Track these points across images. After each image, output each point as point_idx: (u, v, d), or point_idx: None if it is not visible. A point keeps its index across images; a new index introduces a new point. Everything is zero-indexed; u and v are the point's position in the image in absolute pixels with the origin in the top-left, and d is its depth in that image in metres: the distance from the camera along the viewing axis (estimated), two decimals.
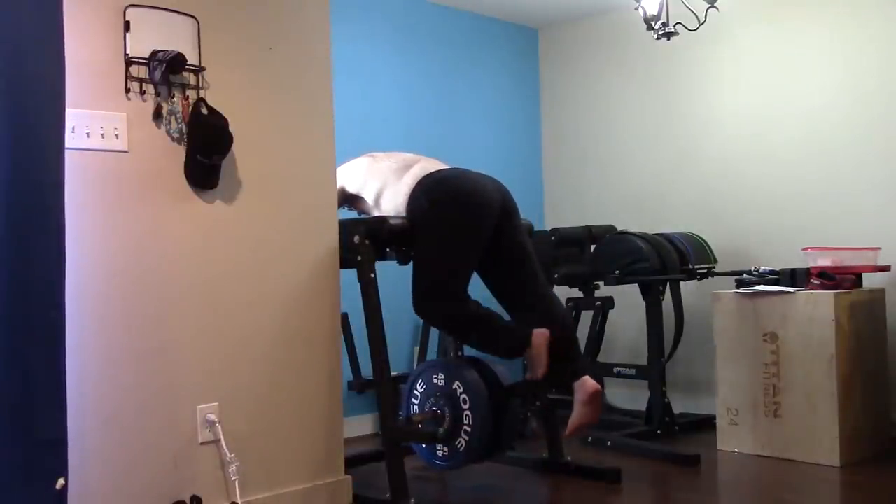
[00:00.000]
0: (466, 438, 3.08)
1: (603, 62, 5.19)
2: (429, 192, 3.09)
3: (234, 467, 2.65)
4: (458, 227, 3.06)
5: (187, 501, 2.59)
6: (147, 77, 2.57)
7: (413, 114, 4.76)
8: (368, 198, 3.29)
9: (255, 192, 2.81)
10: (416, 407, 3.22)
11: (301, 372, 2.91)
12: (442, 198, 3.08)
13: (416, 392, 3.23)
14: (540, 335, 3.04)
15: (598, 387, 3.11)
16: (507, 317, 3.22)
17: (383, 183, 3.24)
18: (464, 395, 3.08)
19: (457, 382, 3.10)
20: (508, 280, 3.21)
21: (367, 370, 3.61)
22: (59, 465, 2.10)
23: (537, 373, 3.06)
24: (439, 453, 3.16)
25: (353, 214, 3.41)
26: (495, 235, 3.13)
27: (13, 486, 2.04)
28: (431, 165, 3.24)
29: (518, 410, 3.20)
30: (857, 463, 3.57)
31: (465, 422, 3.07)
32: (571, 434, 3.18)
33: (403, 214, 3.13)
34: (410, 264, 3.26)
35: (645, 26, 4.12)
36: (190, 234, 2.66)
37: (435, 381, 3.16)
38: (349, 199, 3.39)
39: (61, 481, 2.09)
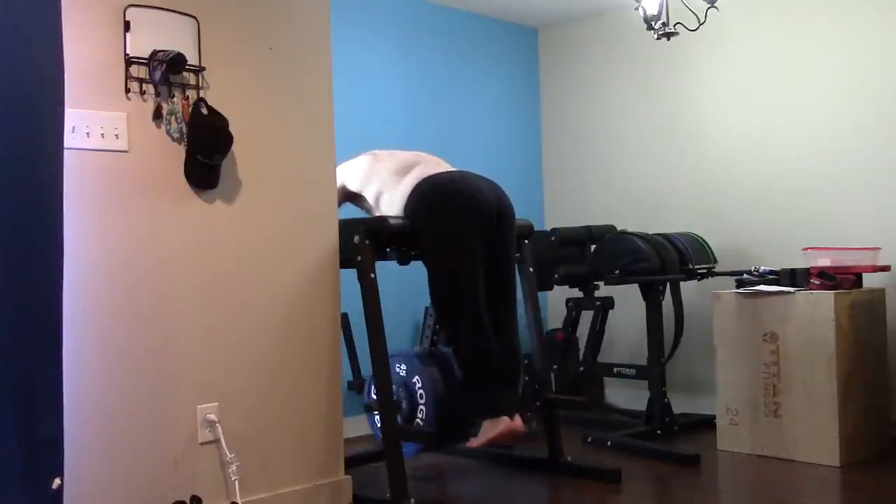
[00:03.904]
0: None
1: (603, 62, 5.19)
2: (423, 197, 3.11)
3: (234, 467, 2.65)
4: (453, 235, 3.08)
5: (187, 501, 2.59)
6: (147, 77, 2.57)
7: (413, 114, 4.76)
8: (369, 198, 3.30)
9: (255, 192, 2.81)
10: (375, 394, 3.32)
11: (301, 372, 2.91)
12: (435, 202, 3.10)
13: None
14: (505, 425, 3.06)
15: (514, 427, 3.09)
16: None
17: (382, 185, 3.25)
18: (421, 391, 3.25)
19: (416, 376, 3.27)
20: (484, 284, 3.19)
21: (367, 370, 3.61)
22: (56, 466, 2.10)
23: (477, 441, 3.13)
24: None
25: (353, 213, 3.41)
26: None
27: (9, 485, 2.04)
28: (430, 168, 3.24)
29: (467, 413, 3.24)
30: (857, 463, 3.57)
31: (419, 415, 3.23)
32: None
33: (398, 216, 3.15)
34: (411, 264, 3.28)
35: (645, 26, 4.12)
36: (190, 234, 2.65)
37: (397, 370, 3.35)
38: (350, 198, 3.40)
39: (57, 481, 2.08)
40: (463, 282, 3.09)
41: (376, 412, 3.33)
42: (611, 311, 4.39)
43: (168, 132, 2.61)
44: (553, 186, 5.42)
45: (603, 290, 4.37)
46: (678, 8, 4.07)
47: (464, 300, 3.09)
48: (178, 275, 2.62)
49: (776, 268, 3.89)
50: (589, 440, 4.04)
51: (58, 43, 2.15)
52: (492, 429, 3.09)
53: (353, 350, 3.92)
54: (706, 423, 4.23)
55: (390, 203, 3.20)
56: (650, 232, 4.28)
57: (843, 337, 3.58)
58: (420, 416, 3.26)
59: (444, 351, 3.39)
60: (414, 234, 3.12)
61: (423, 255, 3.18)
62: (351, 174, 3.35)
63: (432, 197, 3.11)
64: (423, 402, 3.26)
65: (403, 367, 3.36)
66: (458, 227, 3.09)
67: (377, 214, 3.26)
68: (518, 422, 3.11)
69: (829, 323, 3.56)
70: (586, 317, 4.46)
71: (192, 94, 2.65)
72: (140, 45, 2.55)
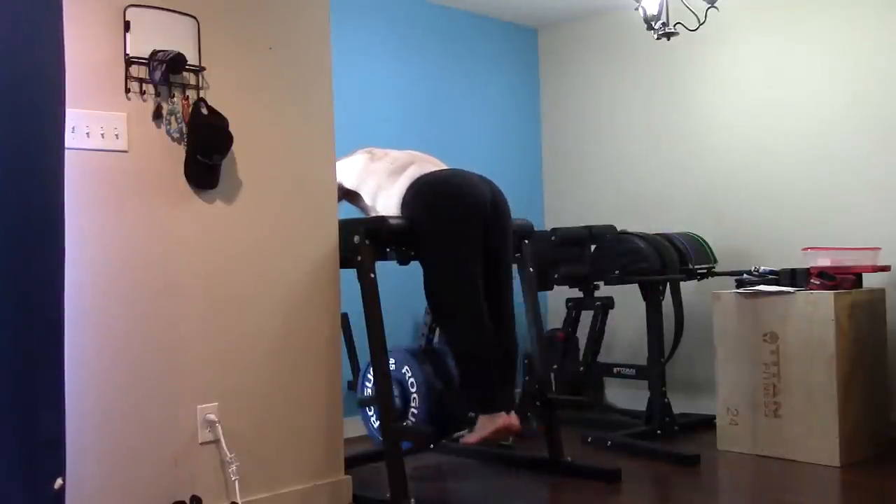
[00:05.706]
0: (412, 421, 3.31)
1: (603, 62, 5.19)
2: (418, 195, 3.11)
3: (234, 467, 2.65)
4: (449, 228, 3.09)
5: (187, 501, 2.59)
6: (147, 77, 2.57)
7: (413, 114, 4.76)
8: (365, 196, 3.30)
9: (255, 192, 2.81)
10: (368, 390, 3.51)
11: (301, 372, 2.91)
12: (430, 198, 3.11)
13: (369, 376, 3.45)
14: (502, 421, 3.08)
15: (511, 424, 3.10)
16: None
17: (378, 185, 3.26)
18: (413, 386, 3.30)
19: (409, 372, 3.31)
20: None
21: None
22: (58, 466, 2.10)
23: (473, 437, 3.14)
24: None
25: (353, 213, 3.41)
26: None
27: (11, 486, 2.04)
28: (424, 167, 3.24)
29: (461, 405, 3.26)
30: (857, 463, 3.57)
31: (412, 411, 3.29)
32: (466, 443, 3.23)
33: (398, 216, 3.15)
34: (411, 264, 3.27)
35: (645, 26, 4.12)
36: (190, 235, 2.65)
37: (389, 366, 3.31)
38: (346, 195, 3.40)
39: (59, 481, 2.08)
40: (461, 276, 3.08)
41: (370, 408, 3.47)
42: (611, 311, 4.39)
43: (168, 132, 2.61)
44: (553, 186, 5.42)
45: (603, 290, 4.37)
46: (678, 8, 4.07)
47: (461, 295, 3.08)
48: (178, 275, 2.62)
49: (776, 268, 3.89)
50: (589, 440, 4.04)
51: (58, 43, 2.15)
52: (488, 425, 3.09)
53: (353, 350, 3.92)
54: (706, 423, 4.23)
55: (387, 202, 3.21)
56: (650, 232, 4.28)
57: (843, 337, 3.58)
58: (413, 412, 3.28)
59: (438, 347, 3.43)
60: (411, 232, 3.11)
61: (419, 252, 3.17)
62: (347, 172, 3.35)
63: (427, 193, 3.11)
64: (415, 398, 3.29)
65: (394, 362, 3.35)
66: (453, 218, 3.09)
67: (373, 213, 3.27)
68: (514, 419, 3.11)
69: (829, 323, 3.56)
70: (586, 317, 4.46)
71: (192, 94, 2.65)
72: (140, 45, 2.55)
